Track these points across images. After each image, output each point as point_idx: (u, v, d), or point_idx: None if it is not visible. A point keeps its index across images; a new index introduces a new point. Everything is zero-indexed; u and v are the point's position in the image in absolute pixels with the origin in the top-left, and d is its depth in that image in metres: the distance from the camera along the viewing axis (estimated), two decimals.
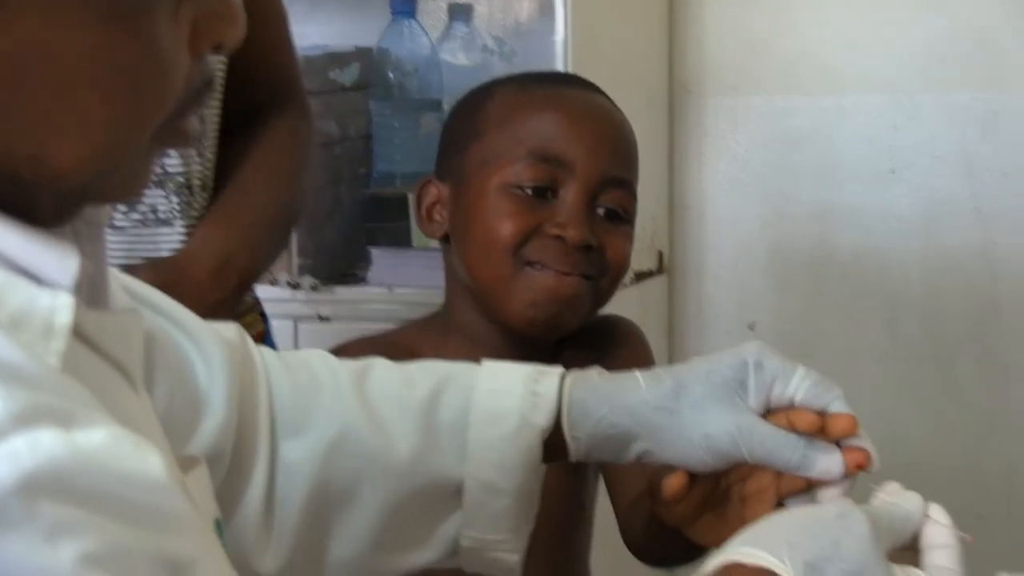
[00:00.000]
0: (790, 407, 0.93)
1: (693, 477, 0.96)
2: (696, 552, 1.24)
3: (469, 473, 0.93)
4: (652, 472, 1.01)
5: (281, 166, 1.34)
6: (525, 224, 1.20)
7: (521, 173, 1.21)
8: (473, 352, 1.17)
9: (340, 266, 2.03)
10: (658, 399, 0.94)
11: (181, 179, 1.28)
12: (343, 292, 1.97)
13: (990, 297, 2.02)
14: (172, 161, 1.28)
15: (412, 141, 2.11)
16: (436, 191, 1.28)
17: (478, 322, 1.26)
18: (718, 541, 0.99)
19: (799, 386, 0.93)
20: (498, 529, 0.94)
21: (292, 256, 1.95)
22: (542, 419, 0.94)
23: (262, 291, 1.93)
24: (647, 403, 0.94)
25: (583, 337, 1.28)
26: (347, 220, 2.06)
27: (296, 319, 1.94)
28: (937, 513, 0.92)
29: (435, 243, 1.94)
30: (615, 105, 1.30)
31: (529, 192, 1.21)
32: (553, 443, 0.95)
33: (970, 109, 2.02)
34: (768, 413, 0.94)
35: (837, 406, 0.94)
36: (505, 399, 0.94)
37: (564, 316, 1.23)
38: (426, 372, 0.97)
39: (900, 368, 2.08)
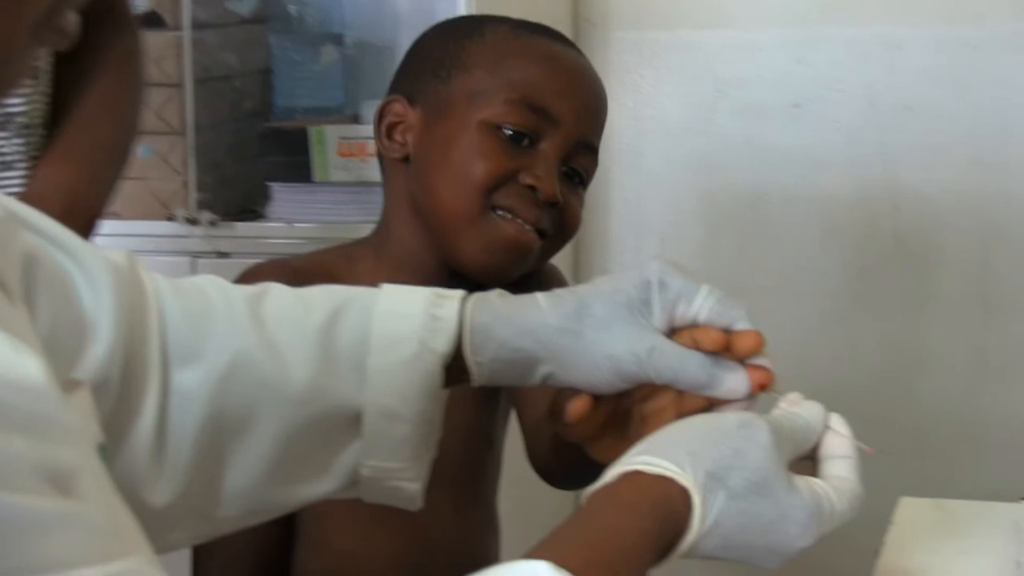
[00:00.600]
0: (695, 326, 0.92)
1: (596, 398, 0.96)
2: (600, 473, 1.24)
3: (368, 399, 0.91)
4: (555, 392, 1.00)
5: (119, 95, 1.29)
6: (502, 167, 1.18)
7: (507, 115, 1.19)
8: (404, 280, 1.14)
9: (240, 202, 1.99)
10: (561, 320, 0.93)
11: (23, 119, 1.24)
12: (243, 228, 1.94)
13: (893, 229, 2.03)
14: (15, 101, 1.23)
15: (313, 75, 2.08)
16: (403, 111, 1.24)
17: (419, 251, 1.24)
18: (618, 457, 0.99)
19: (703, 304, 0.92)
20: (398, 457, 0.93)
21: (190, 191, 1.91)
22: (442, 344, 0.92)
23: (159, 227, 1.92)
24: (549, 325, 0.93)
25: (519, 287, 1.27)
26: (247, 155, 2.02)
27: (194, 255, 1.90)
28: (837, 423, 0.92)
29: (338, 177, 1.96)
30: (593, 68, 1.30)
31: (510, 136, 1.19)
32: (455, 368, 0.93)
33: (874, 43, 2.02)
34: (673, 332, 0.93)
35: (742, 324, 0.93)
36: (404, 323, 0.92)
37: (512, 267, 1.21)
38: (324, 296, 0.94)
39: (802, 302, 2.08)
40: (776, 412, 0.92)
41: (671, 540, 0.81)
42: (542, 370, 0.94)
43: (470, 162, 1.18)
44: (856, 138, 2.04)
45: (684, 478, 0.81)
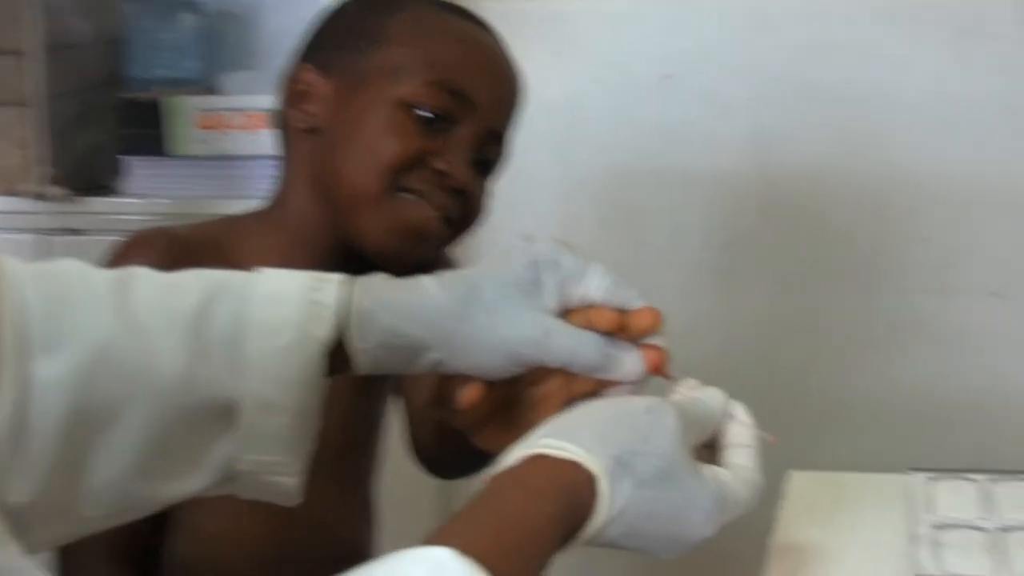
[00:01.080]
0: (588, 306, 0.90)
1: (486, 384, 0.93)
2: (484, 462, 1.20)
3: (244, 390, 0.86)
4: (439, 379, 0.97)
5: None
6: (414, 149, 1.13)
7: (426, 96, 1.14)
8: (298, 256, 1.12)
9: (91, 176, 1.91)
10: (449, 304, 0.89)
11: None
12: (95, 203, 1.86)
13: (764, 204, 2.02)
14: None
15: (167, 45, 2.00)
16: (313, 80, 1.19)
17: (317, 227, 1.18)
18: (505, 447, 0.96)
19: (598, 284, 0.90)
20: (276, 450, 0.88)
21: (38, 165, 1.82)
22: (323, 330, 0.87)
23: (3, 203, 1.82)
24: (438, 309, 0.89)
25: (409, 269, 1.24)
26: (99, 127, 1.93)
27: (44, 233, 1.82)
28: (739, 411, 0.91)
29: (195, 150, 1.89)
30: None
31: (425, 118, 1.14)
32: (337, 355, 0.89)
33: (746, 15, 2.00)
34: (566, 313, 0.91)
35: (638, 303, 0.91)
36: (283, 309, 0.87)
37: (415, 251, 1.16)
38: (196, 280, 0.89)
39: (672, 278, 2.05)
40: (678, 398, 0.90)
41: (576, 526, 0.78)
42: (430, 356, 0.90)
43: (382, 140, 1.13)
44: (728, 112, 2.02)
45: (592, 463, 0.78)
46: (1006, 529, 1.00)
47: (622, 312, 0.90)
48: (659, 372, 0.92)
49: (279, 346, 0.86)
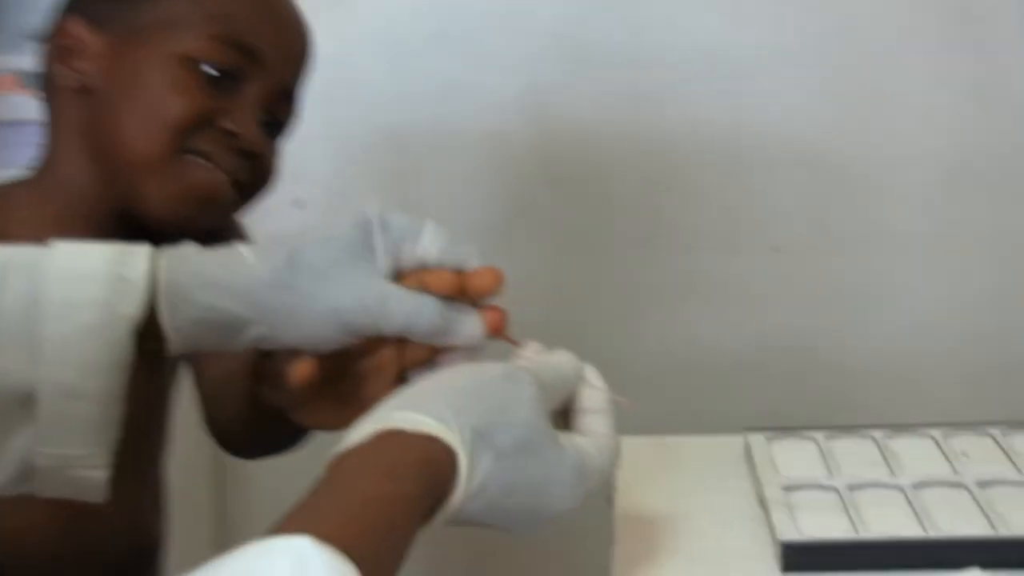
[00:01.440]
0: (422, 268, 0.85)
1: (316, 358, 0.87)
2: (296, 439, 1.14)
3: (43, 376, 0.78)
4: (260, 354, 0.90)
5: None
6: (201, 108, 1.04)
7: (210, 51, 1.05)
8: (72, 226, 1.04)
9: None
10: (272, 274, 0.83)
11: None
12: None
13: (541, 161, 1.99)
14: None
15: None
16: (83, 35, 1.08)
17: (92, 194, 1.08)
18: (333, 423, 0.90)
19: (432, 244, 0.85)
20: (81, 441, 0.80)
21: None
22: (131, 307, 0.80)
23: None
24: (259, 280, 0.83)
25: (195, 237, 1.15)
26: None
27: None
28: (592, 375, 0.87)
29: None
30: None
31: (212, 73, 1.05)
32: (147, 335, 0.82)
33: None
34: (399, 277, 0.85)
35: (474, 262, 0.86)
36: (85, 286, 0.79)
37: (203, 218, 1.08)
38: None
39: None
40: (520, 363, 0.85)
41: (435, 504, 0.72)
42: (252, 332, 0.83)
43: (164, 99, 1.04)
44: (503, 70, 1.97)
45: (449, 436, 0.73)
46: (853, 487, 0.99)
47: (459, 273, 0.85)
48: (499, 334, 0.87)
49: (81, 327, 0.78)
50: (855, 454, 1.06)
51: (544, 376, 0.82)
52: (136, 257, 0.81)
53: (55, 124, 1.10)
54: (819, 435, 1.10)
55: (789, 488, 1.00)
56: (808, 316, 1.98)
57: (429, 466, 0.72)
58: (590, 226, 1.99)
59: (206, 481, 2.00)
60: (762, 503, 1.00)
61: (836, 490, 0.99)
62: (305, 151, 1.98)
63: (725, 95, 1.93)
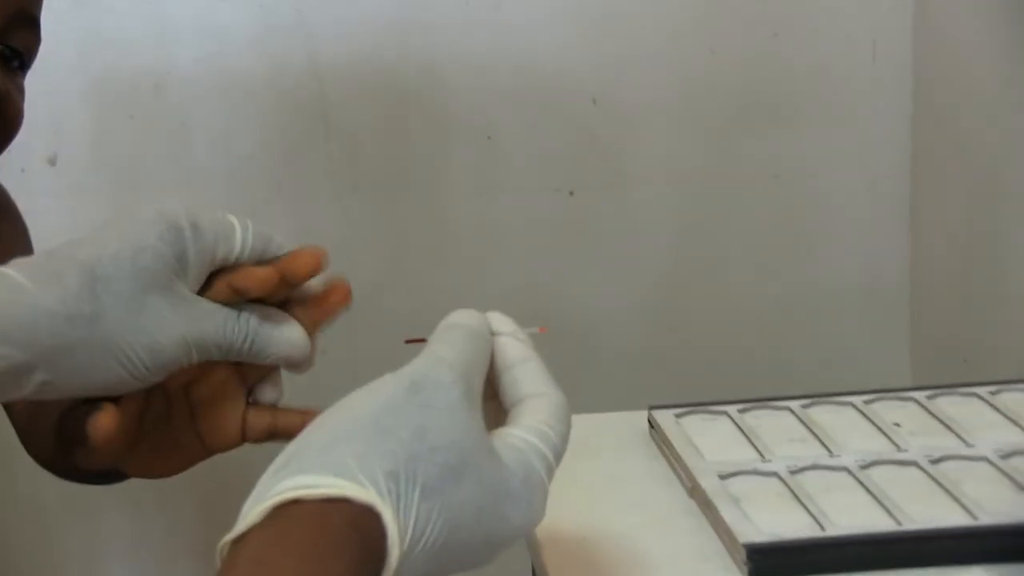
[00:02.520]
0: (231, 268, 0.71)
1: (117, 400, 0.71)
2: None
3: None
4: (59, 415, 0.74)
5: None
6: None
7: None
8: None
9: None
10: (67, 305, 0.66)
11: None
12: None
13: (320, 109, 1.83)
14: None
15: None
16: None
17: None
18: (167, 469, 0.75)
19: (244, 240, 0.71)
20: None
21: None
22: None
23: None
24: (46, 314, 0.66)
25: None
26: None
27: None
28: (499, 322, 0.70)
29: None
30: None
31: None
32: None
33: None
34: (208, 282, 0.71)
35: (286, 247, 0.73)
36: None
37: None
38: None
39: (232, 197, 1.84)
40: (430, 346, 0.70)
41: (374, 574, 0.58)
42: (35, 379, 0.66)
43: None
44: (271, 8, 1.80)
45: (361, 492, 0.57)
46: (794, 471, 0.90)
47: (272, 264, 0.71)
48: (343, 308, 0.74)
49: None
50: (777, 429, 0.97)
51: (450, 351, 0.65)
52: None
53: None
54: (731, 409, 1.01)
55: (724, 475, 0.90)
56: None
57: (349, 533, 0.56)
58: (370, 175, 1.85)
59: None
60: (694, 494, 0.90)
61: (777, 475, 0.90)
62: (65, 100, 1.78)
63: (498, 28, 1.83)
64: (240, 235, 0.70)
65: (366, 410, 0.61)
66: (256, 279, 0.69)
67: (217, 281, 0.70)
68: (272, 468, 0.59)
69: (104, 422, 0.69)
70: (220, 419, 0.74)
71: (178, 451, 0.74)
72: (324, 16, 1.81)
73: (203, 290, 0.70)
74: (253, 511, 0.56)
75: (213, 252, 0.69)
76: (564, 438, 0.66)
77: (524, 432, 0.65)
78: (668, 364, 1.89)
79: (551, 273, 1.90)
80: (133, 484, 0.85)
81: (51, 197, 1.77)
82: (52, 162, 1.80)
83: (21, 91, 0.96)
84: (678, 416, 1.00)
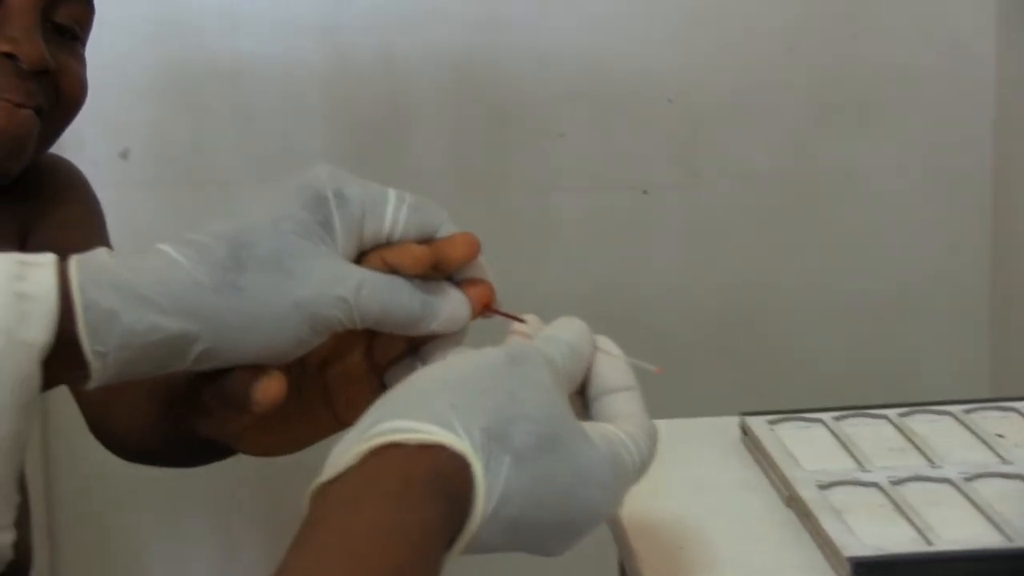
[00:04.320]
0: (385, 244, 0.69)
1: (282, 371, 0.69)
2: (220, 455, 0.94)
3: None
4: (199, 379, 0.73)
5: None
6: None
7: None
8: None
9: None
10: (215, 276, 0.65)
11: None
12: None
13: (396, 99, 1.82)
14: None
15: None
16: None
17: None
18: (284, 449, 0.74)
19: (397, 215, 0.69)
20: None
21: None
22: (39, 332, 0.62)
23: None
24: (200, 284, 0.65)
25: (13, 184, 0.97)
26: None
27: None
28: (607, 345, 0.70)
29: None
30: None
31: None
32: (61, 363, 0.64)
33: None
34: (361, 257, 0.69)
35: (447, 228, 0.71)
36: None
37: (10, 163, 0.91)
38: None
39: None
40: (514, 339, 0.69)
41: (454, 529, 0.57)
42: (196, 349, 0.66)
43: None
44: (344, 5, 1.79)
45: (457, 442, 0.57)
46: (895, 481, 0.88)
47: (426, 244, 0.69)
48: (489, 310, 0.71)
49: None
50: (874, 438, 0.95)
51: (553, 353, 0.66)
52: (39, 268, 0.63)
53: None
54: (826, 417, 0.98)
55: (823, 486, 0.88)
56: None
57: (439, 482, 0.56)
58: (442, 168, 1.84)
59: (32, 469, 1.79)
60: (792, 504, 0.88)
61: (878, 486, 0.87)
62: (134, 90, 1.78)
63: (579, 26, 1.81)
64: (393, 207, 0.68)
65: (465, 370, 0.62)
66: (410, 255, 0.68)
67: (371, 255, 0.69)
68: (371, 413, 0.59)
69: (273, 388, 0.68)
70: (352, 397, 0.73)
71: (296, 432, 0.73)
72: (396, 10, 1.81)
73: (358, 263, 0.68)
74: (348, 452, 0.57)
75: (361, 221, 0.68)
76: (650, 455, 0.65)
77: (617, 427, 0.64)
78: (740, 365, 1.87)
79: (625, 272, 1.88)
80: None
81: (123, 189, 1.77)
82: (124, 156, 1.80)
83: (81, 62, 0.96)
84: (771, 423, 0.98)
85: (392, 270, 0.68)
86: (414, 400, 0.59)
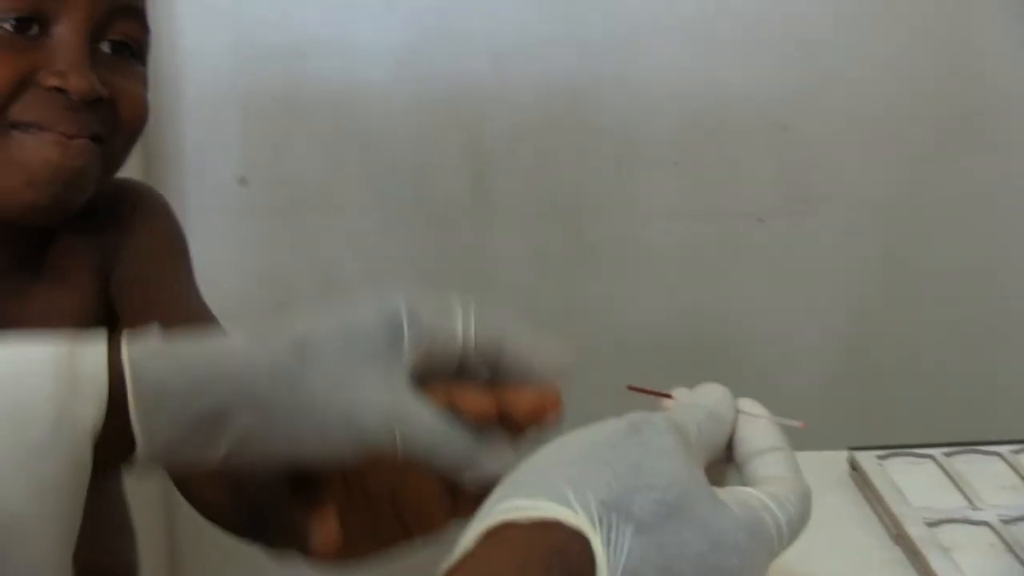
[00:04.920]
0: (460, 379, 0.69)
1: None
2: None
3: None
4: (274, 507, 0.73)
5: None
6: (9, 73, 0.87)
7: None
8: None
9: None
10: (273, 366, 0.66)
11: None
12: None
13: (502, 127, 1.83)
14: None
15: None
16: None
17: None
18: (360, 558, 0.74)
19: (468, 334, 0.69)
20: None
21: None
22: (90, 413, 0.63)
23: None
24: (256, 372, 0.66)
25: (84, 212, 0.96)
26: None
27: None
28: (748, 406, 0.68)
29: None
30: None
31: (9, 28, 0.87)
32: (111, 444, 0.65)
33: None
34: (429, 380, 0.69)
35: (521, 341, 0.71)
36: (29, 388, 0.63)
37: (70, 196, 0.90)
38: None
39: (396, 215, 1.85)
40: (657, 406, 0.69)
41: None
42: (240, 434, 0.66)
43: None
44: (458, 29, 1.81)
45: (572, 517, 0.56)
46: (1007, 520, 0.86)
47: (496, 394, 0.69)
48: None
49: (32, 439, 0.62)
50: (986, 475, 0.93)
51: (686, 418, 0.65)
52: (92, 349, 0.64)
53: None
54: (936, 452, 0.97)
55: (932, 523, 0.86)
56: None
57: (557, 558, 0.55)
58: (556, 196, 1.85)
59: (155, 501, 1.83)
60: (900, 541, 0.87)
61: (988, 525, 0.86)
62: (257, 118, 1.81)
63: (692, 55, 1.81)
64: (463, 325, 0.68)
65: (583, 444, 0.61)
66: (473, 408, 0.68)
67: (439, 387, 0.68)
68: (490, 498, 0.59)
69: (328, 534, 0.69)
70: (426, 516, 0.72)
71: (376, 539, 0.73)
72: (511, 38, 1.82)
73: (425, 385, 0.68)
74: (467, 536, 0.56)
75: (431, 341, 0.68)
76: (802, 518, 0.63)
77: (759, 491, 0.62)
78: (858, 398, 1.85)
79: (740, 300, 1.87)
80: None
81: (241, 216, 1.81)
82: (243, 182, 1.83)
83: (140, 81, 0.94)
84: (881, 458, 0.97)
85: (452, 407, 0.68)
86: (531, 478, 0.59)
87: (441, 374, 0.69)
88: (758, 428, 0.67)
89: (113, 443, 0.64)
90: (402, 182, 1.85)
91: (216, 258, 1.77)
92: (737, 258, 1.86)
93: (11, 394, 0.62)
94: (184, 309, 0.99)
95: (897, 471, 0.95)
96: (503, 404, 0.68)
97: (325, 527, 0.69)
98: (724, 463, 0.67)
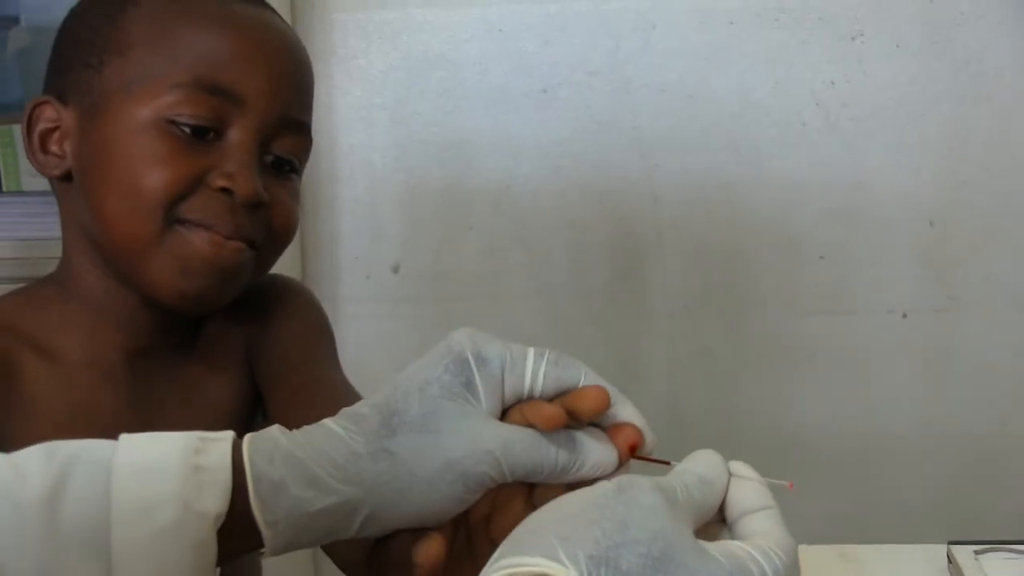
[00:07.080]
0: (530, 399, 0.74)
1: (440, 532, 0.75)
2: None
3: None
4: (372, 546, 0.78)
5: None
6: (184, 173, 0.93)
7: (179, 105, 0.93)
8: (99, 327, 0.96)
9: None
10: (370, 443, 0.72)
11: None
12: None
13: (653, 220, 1.88)
14: None
15: None
16: (55, 115, 0.97)
17: (104, 286, 0.98)
18: None
19: (536, 371, 0.74)
20: None
21: None
22: (213, 503, 0.69)
23: None
24: (358, 454, 0.71)
25: (234, 304, 1.02)
26: None
27: None
28: (741, 469, 0.71)
29: (39, 186, 1.64)
30: (291, 27, 1.03)
31: (188, 131, 0.93)
32: (234, 533, 0.70)
33: (624, 20, 1.85)
34: (505, 414, 0.74)
35: (588, 380, 0.75)
36: (157, 480, 0.69)
37: (220, 290, 0.96)
38: (41, 456, 0.69)
39: (549, 306, 1.90)
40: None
41: None
42: (359, 516, 0.72)
43: (140, 171, 0.92)
44: (609, 124, 1.86)
45: (562, 571, 0.60)
46: None
47: (560, 400, 0.74)
48: (634, 454, 0.74)
49: (158, 528, 0.68)
50: None
51: (674, 482, 0.68)
52: (216, 443, 0.71)
53: (61, 217, 1.01)
54: None
55: None
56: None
57: None
58: (698, 288, 1.88)
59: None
60: None
61: None
62: (414, 210, 1.89)
63: (837, 150, 1.83)
64: (532, 364, 0.73)
65: (574, 504, 0.65)
66: (542, 415, 0.72)
67: (513, 411, 0.73)
68: (492, 557, 0.63)
69: (433, 550, 0.73)
70: None
71: (474, 563, 0.77)
72: (660, 136, 1.87)
73: (503, 418, 0.73)
74: None
75: (501, 379, 0.73)
76: (787, 568, 0.65)
77: (745, 543, 0.66)
78: (990, 496, 1.82)
79: (883, 395, 1.87)
80: None
81: (394, 303, 1.88)
82: (396, 270, 1.91)
83: (295, 196, 1.00)
84: (978, 553, 0.98)
85: (528, 425, 0.73)
86: (525, 537, 0.63)
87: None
88: (748, 489, 0.70)
89: (239, 534, 0.69)
90: (556, 273, 1.90)
91: (365, 342, 1.85)
92: (880, 353, 1.86)
93: (140, 482, 0.68)
94: (329, 392, 1.02)
95: (993, 567, 0.96)
96: (567, 405, 0.73)
97: (430, 551, 0.73)
98: (717, 524, 0.70)
